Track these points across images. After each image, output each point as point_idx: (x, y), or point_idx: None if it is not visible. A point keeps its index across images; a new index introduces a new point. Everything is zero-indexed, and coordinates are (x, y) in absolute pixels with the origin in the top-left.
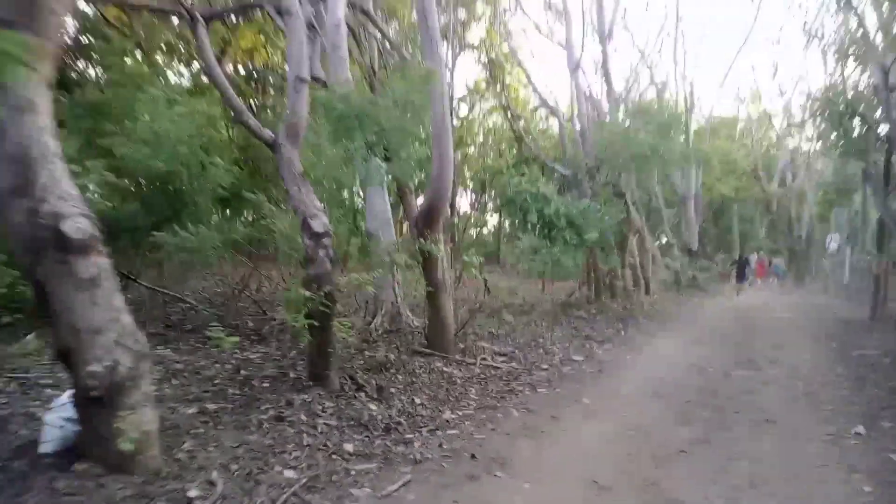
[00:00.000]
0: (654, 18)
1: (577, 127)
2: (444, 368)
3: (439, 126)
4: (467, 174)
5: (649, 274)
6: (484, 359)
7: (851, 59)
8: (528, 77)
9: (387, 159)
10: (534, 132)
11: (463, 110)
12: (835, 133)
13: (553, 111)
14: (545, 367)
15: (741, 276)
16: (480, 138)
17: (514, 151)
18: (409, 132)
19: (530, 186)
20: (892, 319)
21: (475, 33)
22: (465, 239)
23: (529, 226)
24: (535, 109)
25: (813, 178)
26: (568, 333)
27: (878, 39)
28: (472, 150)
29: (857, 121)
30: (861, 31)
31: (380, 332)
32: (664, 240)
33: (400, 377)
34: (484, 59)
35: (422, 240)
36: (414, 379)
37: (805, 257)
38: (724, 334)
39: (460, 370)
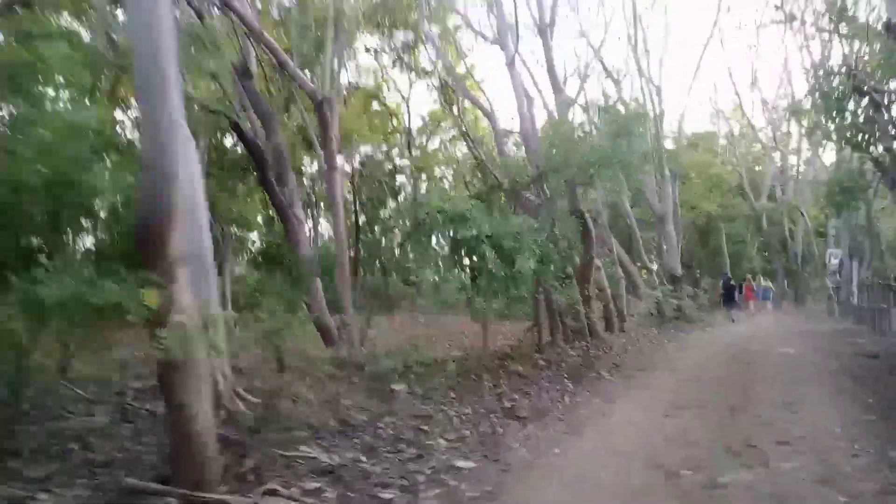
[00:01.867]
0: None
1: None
2: None
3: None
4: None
5: (623, 307)
6: (274, 491)
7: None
8: (477, 85)
9: None
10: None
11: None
12: (832, 120)
13: (487, 115)
14: (387, 496)
15: (729, 302)
16: (440, 170)
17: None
18: None
19: (442, 204)
20: None
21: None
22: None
23: (433, 253)
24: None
25: (805, 189)
26: (482, 408)
27: None
28: (427, 183)
29: (859, 102)
30: None
31: None
32: (642, 267)
33: None
34: (436, 83)
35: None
36: None
37: (803, 277)
38: (713, 390)
39: None
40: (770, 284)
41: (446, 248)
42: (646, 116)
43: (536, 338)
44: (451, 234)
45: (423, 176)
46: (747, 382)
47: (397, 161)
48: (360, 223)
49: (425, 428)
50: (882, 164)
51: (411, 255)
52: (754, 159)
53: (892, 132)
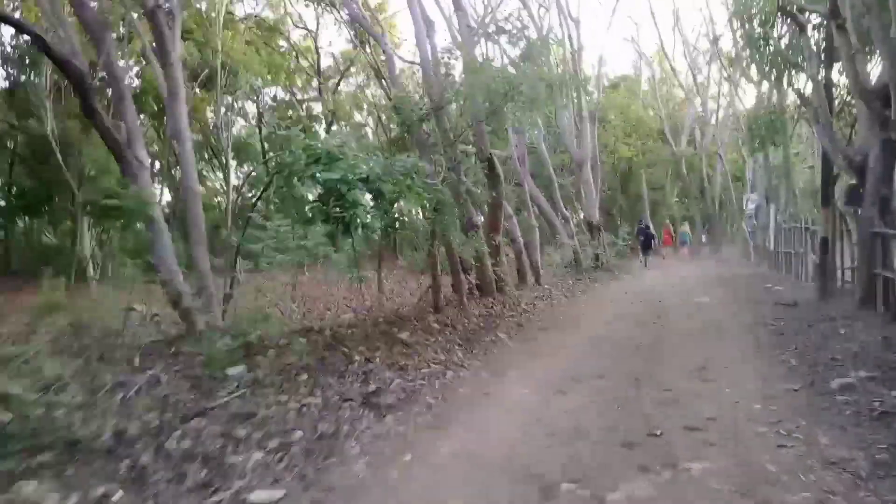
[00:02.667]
0: None
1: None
2: None
3: None
4: None
5: (538, 258)
6: None
7: None
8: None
9: None
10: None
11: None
12: (756, 48)
13: (376, 39)
14: None
15: (645, 249)
16: (359, 116)
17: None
18: None
19: (310, 141)
20: (850, 296)
21: None
22: None
23: (297, 201)
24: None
25: (724, 133)
26: (338, 394)
27: None
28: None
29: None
30: None
31: None
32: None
33: None
34: (345, 16)
35: None
36: None
37: (720, 222)
38: (619, 353)
39: None
40: (687, 230)
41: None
42: (549, 45)
43: (432, 298)
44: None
45: (339, 122)
46: (658, 340)
47: (313, 106)
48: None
49: (241, 433)
50: (804, 95)
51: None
52: (675, 105)
53: (817, 58)
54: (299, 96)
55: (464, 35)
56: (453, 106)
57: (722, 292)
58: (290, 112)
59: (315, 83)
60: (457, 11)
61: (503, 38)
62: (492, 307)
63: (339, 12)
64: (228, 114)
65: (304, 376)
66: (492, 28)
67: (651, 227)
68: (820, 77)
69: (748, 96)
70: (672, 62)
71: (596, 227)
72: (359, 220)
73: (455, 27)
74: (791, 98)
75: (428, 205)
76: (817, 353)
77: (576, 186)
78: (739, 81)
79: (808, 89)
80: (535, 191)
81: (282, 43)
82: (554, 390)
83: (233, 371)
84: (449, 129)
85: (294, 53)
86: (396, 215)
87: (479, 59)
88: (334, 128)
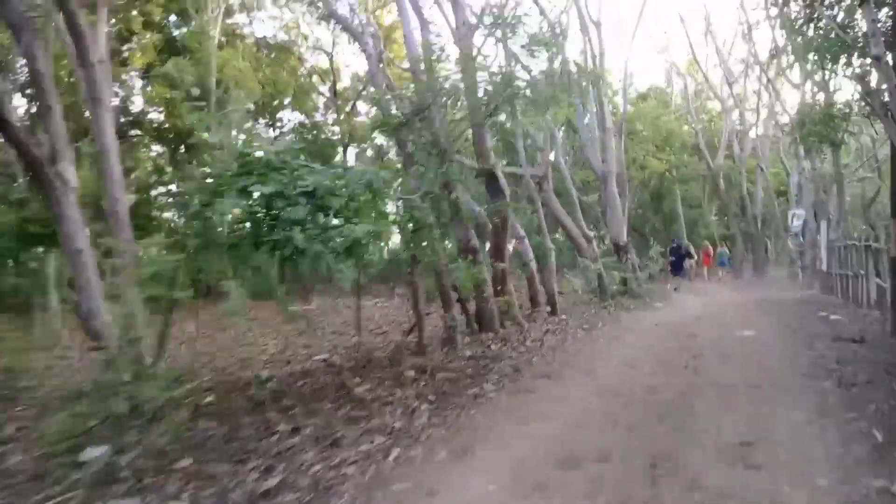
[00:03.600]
0: None
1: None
2: None
3: None
4: None
5: (553, 284)
6: None
7: None
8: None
9: None
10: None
11: None
12: (800, 30)
13: (355, 36)
14: None
15: (677, 271)
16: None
17: None
18: None
19: (251, 149)
20: None
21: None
22: None
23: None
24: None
25: (765, 145)
26: (226, 487)
27: None
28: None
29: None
30: None
31: None
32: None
33: None
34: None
35: None
36: None
37: (763, 241)
38: (635, 416)
39: None
40: (726, 250)
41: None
42: (559, 38)
43: (417, 337)
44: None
45: (356, 143)
46: (688, 394)
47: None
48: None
49: None
50: (867, 81)
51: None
52: (710, 118)
53: (885, 35)
54: (322, 119)
55: (461, 32)
56: (447, 110)
57: (768, 323)
58: (310, 135)
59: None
60: (455, 8)
61: (501, 32)
62: (490, 346)
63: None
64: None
65: (187, 461)
66: (488, 20)
67: (687, 247)
68: (889, 58)
69: (790, 104)
70: (705, 72)
71: (623, 249)
72: (297, 245)
73: (452, 24)
74: (842, 97)
75: (402, 225)
76: None
77: (602, 205)
78: (781, 88)
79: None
80: (560, 210)
81: (301, 65)
82: (532, 486)
83: (90, 453)
84: (441, 137)
85: (308, 74)
86: (364, 240)
87: (479, 58)
88: (351, 150)
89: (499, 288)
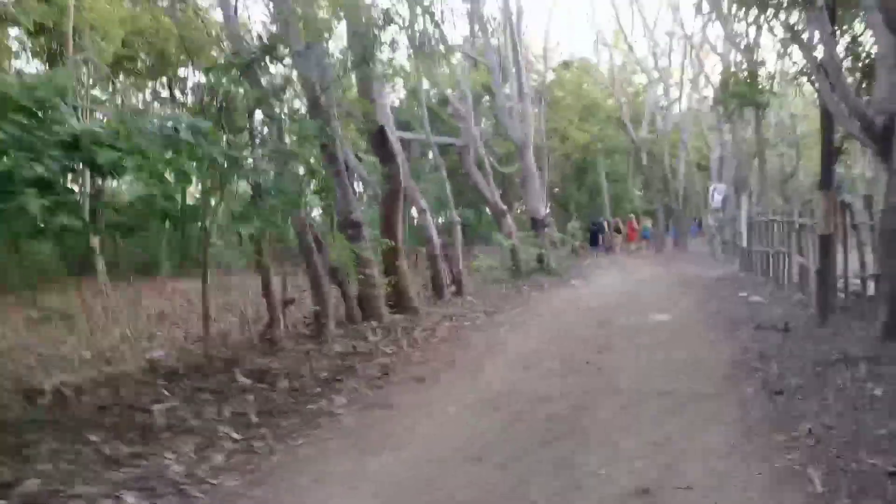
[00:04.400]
0: None
1: None
2: None
3: None
4: None
5: (459, 261)
6: None
7: None
8: None
9: None
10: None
11: None
12: None
13: None
14: None
15: (594, 245)
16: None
17: None
18: None
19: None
20: (858, 317)
21: None
22: None
23: None
24: None
25: (687, 119)
26: None
27: None
28: None
29: None
30: None
31: None
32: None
33: None
34: None
35: None
36: None
37: (684, 216)
38: (514, 437)
39: None
40: (648, 223)
41: None
42: None
43: (280, 323)
44: None
45: None
46: (583, 412)
47: None
48: None
49: None
50: (797, 32)
51: None
52: (636, 92)
53: None
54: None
55: None
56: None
57: (686, 305)
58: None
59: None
60: None
61: None
62: (367, 337)
63: None
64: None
65: None
66: None
67: (617, 223)
68: (821, 1)
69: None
70: (631, 43)
71: (541, 223)
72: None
73: None
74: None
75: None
76: (851, 449)
77: (521, 176)
78: (705, 59)
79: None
80: (482, 182)
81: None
82: None
83: None
84: (315, 82)
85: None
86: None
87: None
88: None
89: (391, 268)
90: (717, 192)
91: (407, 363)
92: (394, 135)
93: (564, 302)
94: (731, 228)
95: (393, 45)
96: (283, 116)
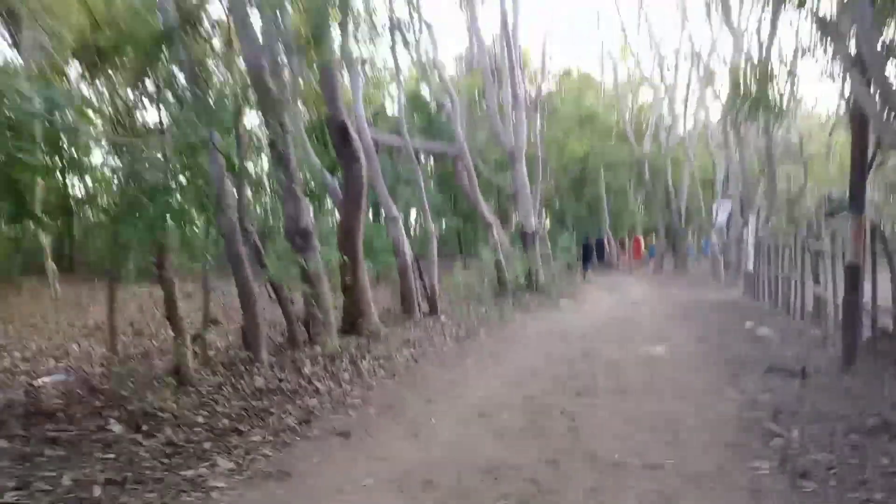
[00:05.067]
0: None
1: None
2: None
3: None
4: None
5: (434, 278)
6: None
7: None
8: None
9: None
10: None
11: None
12: None
13: None
14: None
15: (586, 262)
16: None
17: None
18: None
19: None
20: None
21: None
22: None
23: None
24: None
25: (693, 135)
26: None
27: None
28: None
29: None
30: None
31: None
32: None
33: None
34: None
35: None
36: None
37: (685, 235)
38: None
39: None
40: (653, 242)
41: None
42: None
43: (189, 352)
44: None
45: None
46: (549, 491)
47: None
48: None
49: None
50: (830, 23)
51: None
52: (640, 107)
53: None
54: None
55: None
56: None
57: (685, 336)
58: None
59: None
60: None
61: None
62: (303, 368)
63: None
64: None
65: None
66: None
67: (609, 240)
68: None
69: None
70: (635, 54)
71: (531, 237)
72: None
73: None
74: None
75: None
76: None
77: (513, 187)
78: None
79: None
80: (475, 192)
81: None
82: None
83: None
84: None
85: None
86: None
87: None
88: None
89: (349, 283)
90: (722, 209)
91: (338, 406)
92: (362, 133)
93: (548, 326)
94: (735, 250)
95: (356, 24)
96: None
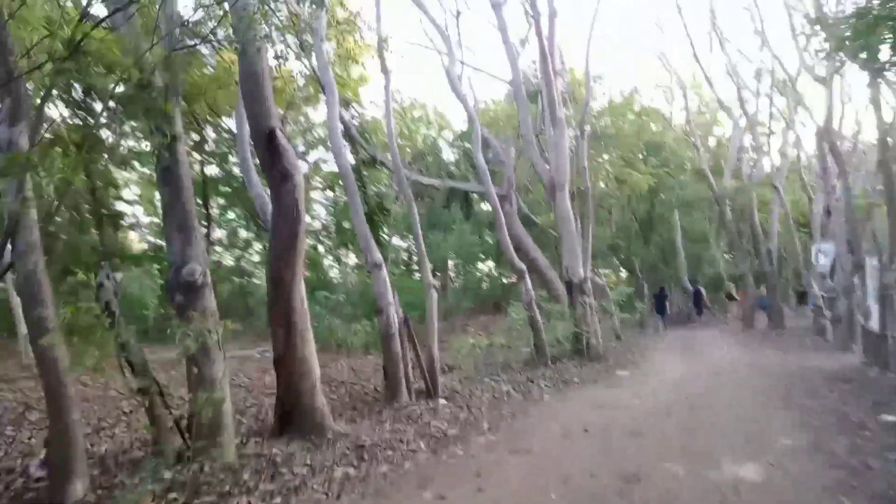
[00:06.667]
0: None
1: None
2: None
3: None
4: None
5: (434, 339)
6: None
7: None
8: None
9: None
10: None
11: None
12: None
13: None
14: None
15: (661, 313)
16: None
17: None
18: None
19: None
20: None
21: None
22: None
23: None
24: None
25: (783, 167)
26: None
27: None
28: None
29: None
30: None
31: None
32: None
33: None
34: None
35: None
36: None
37: (780, 283)
38: None
39: None
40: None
41: None
42: None
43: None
44: None
45: None
46: None
47: None
48: None
49: None
50: None
51: None
52: (717, 142)
53: None
54: None
55: None
56: None
57: (792, 440)
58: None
59: None
60: None
61: None
62: None
63: None
64: None
65: None
66: None
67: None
68: None
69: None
70: (709, 78)
71: (578, 288)
72: None
73: None
74: None
75: None
76: None
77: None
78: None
79: None
80: (525, 238)
81: None
82: None
83: None
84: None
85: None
86: None
87: None
88: None
89: (285, 357)
90: (822, 255)
91: None
92: (285, 141)
93: (585, 415)
94: (845, 302)
95: None
96: None
